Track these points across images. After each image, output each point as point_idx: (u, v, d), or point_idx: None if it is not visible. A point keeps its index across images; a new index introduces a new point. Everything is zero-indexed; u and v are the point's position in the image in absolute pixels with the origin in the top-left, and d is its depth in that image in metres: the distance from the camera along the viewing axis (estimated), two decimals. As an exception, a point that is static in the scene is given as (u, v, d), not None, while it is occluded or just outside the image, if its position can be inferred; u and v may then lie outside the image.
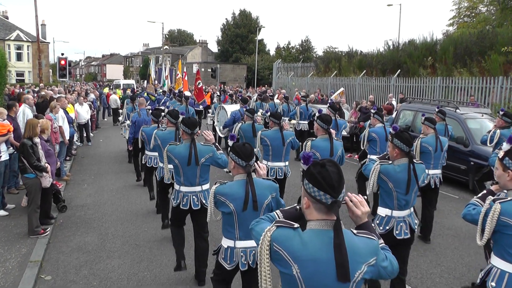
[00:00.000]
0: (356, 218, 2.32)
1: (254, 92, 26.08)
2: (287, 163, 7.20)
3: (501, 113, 7.79)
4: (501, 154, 3.35)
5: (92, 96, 21.10)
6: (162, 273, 5.72)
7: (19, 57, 46.73)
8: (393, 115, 12.88)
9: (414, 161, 4.49)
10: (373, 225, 4.59)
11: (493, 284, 3.26)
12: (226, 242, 3.82)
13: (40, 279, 5.54)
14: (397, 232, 4.50)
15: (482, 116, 10.78)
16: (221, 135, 13.87)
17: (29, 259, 5.98)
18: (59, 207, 8.11)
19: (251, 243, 3.69)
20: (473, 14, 33.04)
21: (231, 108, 13.19)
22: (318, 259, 2.09)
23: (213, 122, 15.88)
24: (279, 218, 2.49)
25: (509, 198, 3.23)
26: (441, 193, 9.67)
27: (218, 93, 19.93)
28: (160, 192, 7.31)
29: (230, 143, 3.94)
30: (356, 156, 14.01)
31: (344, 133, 13.73)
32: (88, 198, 9.16)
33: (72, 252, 6.38)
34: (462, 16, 33.89)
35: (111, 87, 37.73)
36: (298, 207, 2.47)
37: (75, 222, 7.66)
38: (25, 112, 9.69)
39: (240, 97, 16.01)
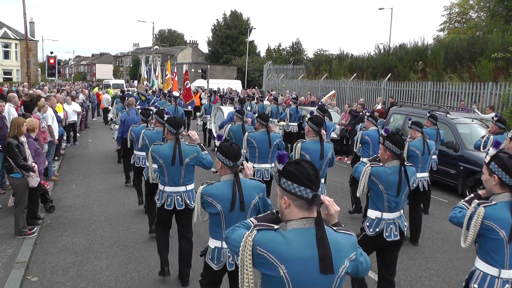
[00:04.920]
0: (329, 217, 2.31)
1: (245, 93, 26.06)
2: (273, 164, 7.18)
3: (495, 118, 7.81)
4: (487, 158, 3.39)
5: (81, 96, 20.90)
6: (150, 274, 5.67)
7: (6, 55, 46.17)
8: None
9: (405, 163, 4.51)
10: (363, 226, 4.65)
11: (476, 286, 3.34)
12: (213, 243, 3.80)
13: (27, 281, 5.44)
14: (387, 234, 4.52)
15: (472, 121, 10.86)
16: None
17: (15, 260, 5.88)
18: (46, 207, 8.00)
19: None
20: (463, 20, 33.37)
21: (229, 109, 13.19)
22: (304, 257, 2.08)
23: (204, 123, 15.87)
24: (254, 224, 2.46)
25: (493, 202, 3.28)
26: (430, 197, 9.74)
27: (208, 94, 19.87)
28: (148, 193, 7.20)
29: (217, 143, 3.91)
30: (346, 159, 14.06)
31: (334, 135, 13.79)
32: (76, 199, 9.06)
33: (59, 253, 6.30)
34: (453, 22, 34.23)
35: (101, 87, 37.48)
36: (274, 211, 2.45)
37: (62, 223, 7.56)
38: (10, 111, 9.56)
39: (228, 97, 16.05)
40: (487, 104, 15.54)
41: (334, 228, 2.26)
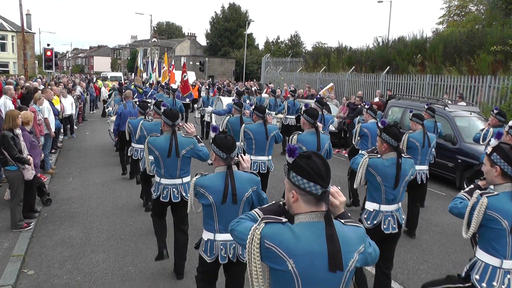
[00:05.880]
0: (334, 208, 2.29)
1: (242, 86, 26.00)
2: (270, 157, 7.16)
3: (495, 111, 7.75)
4: (489, 149, 3.39)
5: (79, 88, 20.80)
6: (147, 268, 5.65)
7: (3, 47, 45.72)
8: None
9: (403, 155, 4.48)
10: (360, 219, 4.63)
11: (477, 277, 3.35)
12: (206, 235, 3.79)
13: (23, 274, 5.43)
14: (384, 226, 4.50)
15: (471, 114, 10.84)
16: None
17: (12, 253, 5.85)
18: (43, 200, 7.97)
19: (230, 236, 3.65)
20: (463, 13, 33.19)
21: (228, 100, 13.18)
22: (313, 251, 2.05)
23: (202, 116, 15.84)
24: (260, 216, 2.41)
25: (495, 193, 3.28)
26: (428, 190, 9.72)
27: (207, 87, 19.80)
28: (144, 182, 7.41)
29: (212, 134, 3.90)
30: (344, 151, 14.04)
31: (332, 128, 13.77)
32: (73, 192, 9.03)
33: (56, 246, 6.28)
34: (452, 15, 34.03)
35: (98, 78, 37.33)
36: (281, 202, 2.41)
37: (59, 216, 7.54)
38: (6, 104, 9.51)
39: (226, 90, 16.03)
40: (485, 98, 15.50)
41: (342, 220, 2.23)
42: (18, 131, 6.78)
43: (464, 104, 12.22)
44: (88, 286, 5.18)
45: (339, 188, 2.32)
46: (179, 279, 5.34)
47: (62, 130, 14.36)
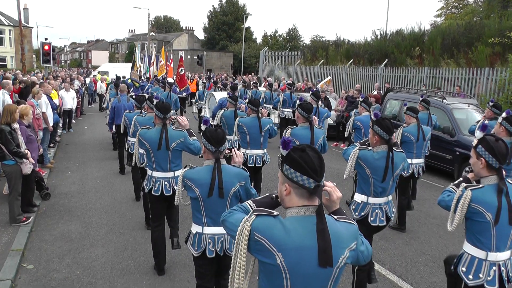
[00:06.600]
0: (332, 203, 2.27)
1: (240, 79, 25.97)
2: (265, 150, 7.15)
3: (491, 104, 7.76)
4: (474, 142, 3.41)
5: (77, 82, 20.73)
6: (146, 262, 5.66)
7: (0, 41, 45.65)
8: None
9: (395, 149, 4.47)
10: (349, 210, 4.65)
11: (464, 269, 3.38)
12: (195, 228, 3.78)
13: (22, 268, 5.43)
14: (371, 218, 4.52)
15: (469, 106, 10.84)
16: (213, 123, 13.83)
17: (11, 248, 5.85)
18: (42, 194, 7.97)
19: (218, 230, 3.64)
20: (461, 5, 33.13)
21: (221, 95, 13.12)
22: (303, 246, 2.03)
23: (198, 110, 15.82)
24: (252, 208, 2.40)
25: (480, 186, 3.30)
26: (426, 183, 9.78)
27: (204, 81, 19.76)
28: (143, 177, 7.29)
29: (203, 127, 3.88)
30: (342, 145, 14.05)
31: (330, 121, 13.78)
32: (72, 186, 9.03)
33: (55, 241, 6.28)
34: (450, 7, 33.97)
35: (98, 72, 37.19)
36: (274, 195, 2.39)
37: (58, 210, 7.54)
38: (4, 98, 9.48)
39: (223, 83, 15.99)
40: (483, 90, 15.51)
41: (335, 216, 2.20)
42: (16, 125, 6.76)
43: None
44: (88, 280, 5.19)
45: (335, 184, 2.31)
46: (176, 248, 5.39)
47: (60, 124, 14.33)
